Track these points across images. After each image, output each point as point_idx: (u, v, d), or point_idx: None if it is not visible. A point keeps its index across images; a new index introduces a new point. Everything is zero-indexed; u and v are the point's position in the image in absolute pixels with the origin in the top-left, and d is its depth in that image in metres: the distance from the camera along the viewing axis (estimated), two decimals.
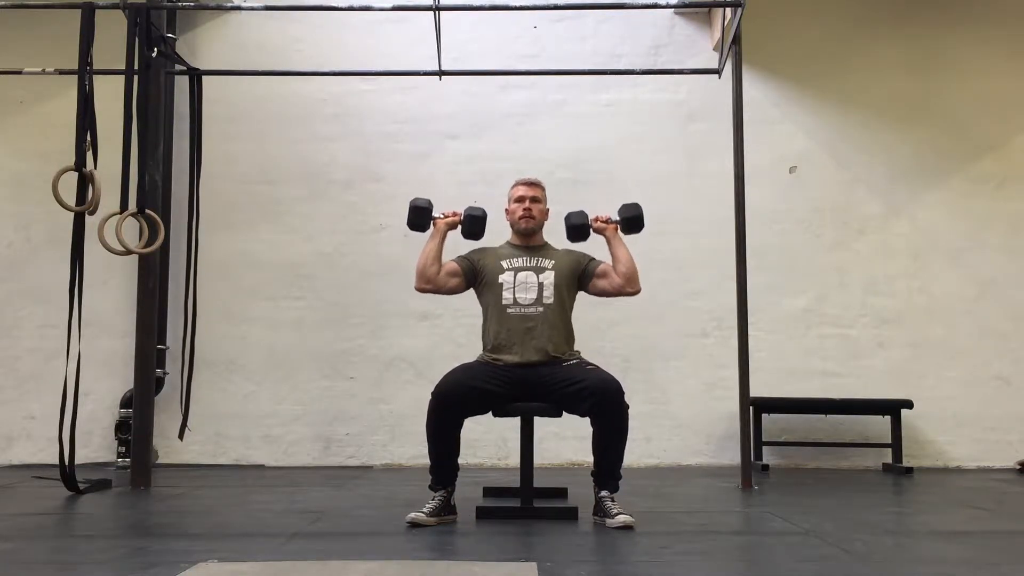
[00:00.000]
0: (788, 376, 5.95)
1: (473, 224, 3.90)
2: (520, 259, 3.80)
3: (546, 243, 3.91)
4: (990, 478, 5.44)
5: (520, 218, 3.83)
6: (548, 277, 3.76)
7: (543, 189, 3.90)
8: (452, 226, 3.88)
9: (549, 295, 3.73)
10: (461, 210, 3.91)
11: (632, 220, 3.89)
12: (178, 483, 4.93)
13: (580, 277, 3.84)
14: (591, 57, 6.19)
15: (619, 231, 3.89)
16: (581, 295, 3.91)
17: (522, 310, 3.70)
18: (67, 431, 4.28)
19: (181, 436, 4.94)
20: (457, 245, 3.91)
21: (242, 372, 6.00)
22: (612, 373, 3.63)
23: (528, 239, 3.86)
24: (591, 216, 3.92)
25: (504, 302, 3.72)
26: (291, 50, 6.18)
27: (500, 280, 3.76)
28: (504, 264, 3.79)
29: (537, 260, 3.80)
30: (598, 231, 3.90)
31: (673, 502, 4.32)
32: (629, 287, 3.82)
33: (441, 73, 5.26)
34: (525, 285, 3.73)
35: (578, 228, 3.91)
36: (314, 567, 2.68)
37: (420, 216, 3.86)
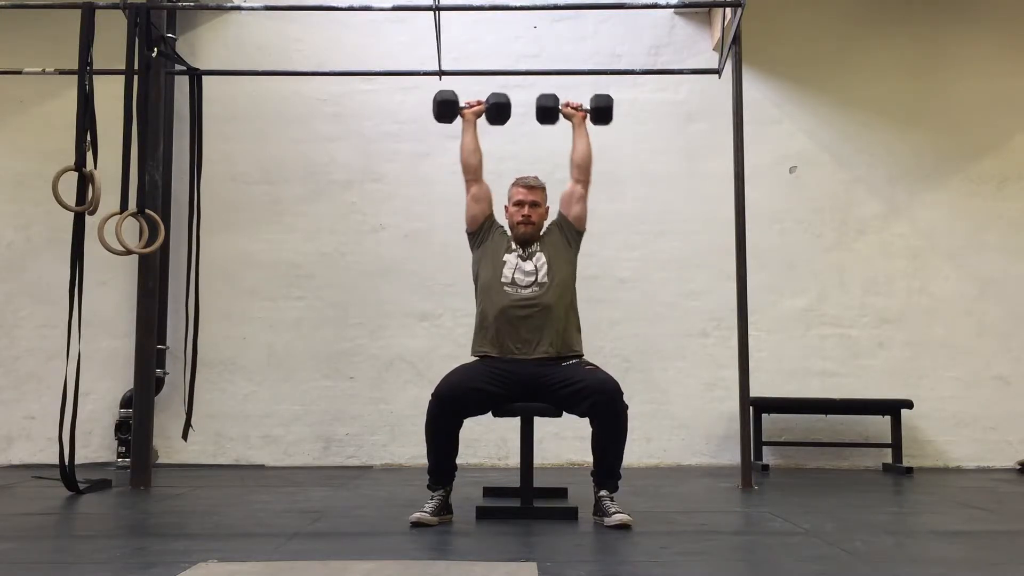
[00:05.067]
0: (788, 376, 5.95)
1: (499, 111, 3.99)
2: (519, 249, 3.81)
3: (542, 236, 3.90)
4: (990, 478, 5.44)
5: (519, 223, 3.82)
6: (540, 259, 3.78)
7: (544, 191, 3.89)
8: (479, 114, 4.00)
9: (544, 274, 3.74)
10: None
11: (601, 111, 3.97)
12: (178, 483, 4.93)
13: (566, 229, 3.86)
14: (591, 57, 6.19)
15: (587, 120, 3.94)
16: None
17: (519, 291, 3.70)
18: (67, 431, 4.28)
19: (185, 436, 4.94)
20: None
21: (242, 372, 6.00)
22: (612, 373, 3.63)
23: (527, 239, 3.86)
24: (562, 101, 4.00)
25: (503, 280, 3.73)
26: (291, 50, 6.17)
27: (504, 259, 3.77)
28: (511, 245, 3.82)
29: (530, 250, 3.81)
30: (567, 116, 4.01)
31: (673, 502, 4.32)
32: (581, 176, 3.88)
33: (441, 73, 5.25)
34: (523, 270, 3.75)
35: (547, 111, 4.01)
36: (314, 567, 2.68)
37: (447, 108, 3.99)
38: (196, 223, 4.97)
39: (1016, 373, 6.01)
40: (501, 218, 3.94)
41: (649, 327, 6.00)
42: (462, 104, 3.98)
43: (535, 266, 3.75)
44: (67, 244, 4.30)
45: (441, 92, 4.02)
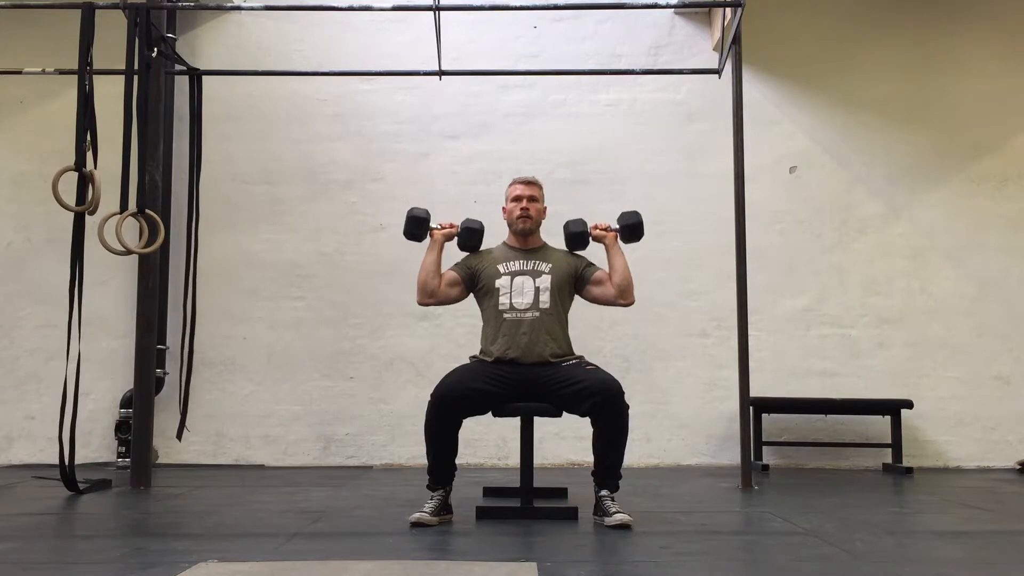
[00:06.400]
0: (788, 376, 5.95)
1: (470, 236, 3.89)
2: (517, 262, 3.79)
3: (544, 244, 3.90)
4: (990, 478, 5.44)
5: (518, 218, 3.82)
6: (545, 281, 3.74)
7: (541, 188, 3.89)
8: (449, 237, 3.88)
9: (546, 300, 3.71)
10: (458, 220, 3.92)
11: (632, 228, 3.87)
12: (178, 483, 4.93)
13: (576, 281, 3.84)
14: (591, 57, 6.19)
15: (619, 239, 3.88)
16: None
17: (518, 315, 3.69)
18: (67, 431, 4.28)
19: (179, 436, 4.95)
20: (451, 255, 3.91)
21: (242, 372, 6.00)
22: (612, 373, 3.63)
23: (525, 240, 3.85)
24: (590, 224, 3.91)
25: (501, 307, 3.72)
26: (291, 50, 6.18)
27: (497, 285, 3.75)
28: (501, 268, 3.78)
29: (534, 263, 3.79)
30: (597, 239, 3.88)
31: (673, 502, 4.31)
32: (622, 299, 3.80)
33: (441, 73, 5.26)
34: (522, 290, 3.72)
35: (577, 236, 3.89)
36: (314, 567, 2.68)
37: (417, 226, 3.87)
38: (196, 223, 4.97)
39: (1016, 373, 6.01)
40: (483, 242, 3.91)
41: (649, 327, 6.00)
42: (433, 224, 3.87)
43: (535, 287, 3.72)
44: (67, 244, 4.30)
45: (414, 209, 3.88)
